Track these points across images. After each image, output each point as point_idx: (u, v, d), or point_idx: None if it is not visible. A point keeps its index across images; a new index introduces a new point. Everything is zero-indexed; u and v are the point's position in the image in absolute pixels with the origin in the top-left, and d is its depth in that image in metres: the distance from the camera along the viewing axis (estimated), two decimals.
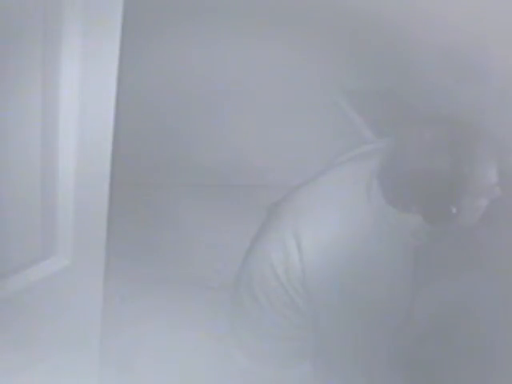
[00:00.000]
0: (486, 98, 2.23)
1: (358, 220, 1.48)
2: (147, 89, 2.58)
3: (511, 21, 2.30)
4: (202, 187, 2.85)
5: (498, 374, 1.72)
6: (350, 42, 2.67)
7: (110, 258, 1.43)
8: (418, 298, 1.59)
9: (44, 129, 1.14)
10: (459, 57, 2.50)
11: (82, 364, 1.48)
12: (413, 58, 2.63)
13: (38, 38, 1.04)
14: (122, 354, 2.16)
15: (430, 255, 1.62)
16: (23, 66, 1.04)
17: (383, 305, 1.45)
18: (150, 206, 2.74)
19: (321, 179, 1.63)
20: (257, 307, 1.61)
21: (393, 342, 1.55)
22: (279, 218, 1.63)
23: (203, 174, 2.86)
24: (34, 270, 1.27)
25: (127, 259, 2.35)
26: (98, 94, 1.17)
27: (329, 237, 1.49)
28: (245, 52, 2.61)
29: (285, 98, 2.79)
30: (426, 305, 1.68)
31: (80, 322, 1.40)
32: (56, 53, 1.09)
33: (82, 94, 1.13)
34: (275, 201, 1.73)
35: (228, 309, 1.77)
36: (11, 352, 1.28)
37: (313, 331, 1.58)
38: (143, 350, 2.22)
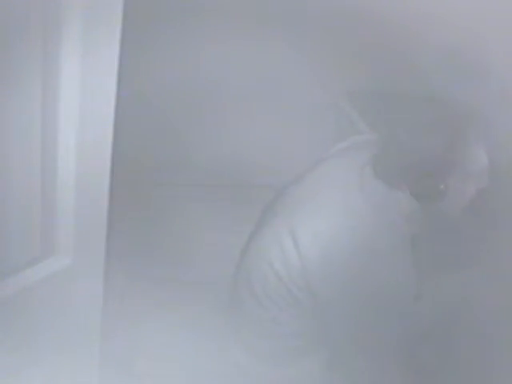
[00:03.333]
0: (486, 98, 2.23)
1: (352, 210, 1.48)
2: (147, 88, 2.58)
3: (511, 21, 2.30)
4: (202, 187, 2.85)
5: (500, 372, 1.72)
6: (350, 43, 2.67)
7: (109, 258, 1.43)
8: (422, 290, 1.60)
9: (44, 129, 1.14)
10: (459, 56, 2.50)
11: (82, 364, 1.48)
12: (413, 57, 2.63)
13: (38, 37, 1.04)
14: (121, 354, 2.16)
15: (428, 251, 1.62)
16: (23, 65, 1.04)
17: (387, 291, 1.46)
18: (150, 205, 2.74)
19: (311, 174, 1.64)
20: (257, 305, 1.61)
21: (399, 331, 1.54)
22: (273, 215, 1.64)
23: (203, 173, 2.86)
24: (33, 270, 1.27)
25: (127, 259, 2.35)
26: (98, 94, 1.17)
27: (325, 229, 1.50)
28: (245, 52, 2.61)
29: (285, 98, 2.79)
30: (429, 299, 1.68)
31: (80, 322, 1.40)
32: (56, 53, 1.09)
33: (82, 94, 1.14)
34: (268, 200, 1.73)
35: (227, 307, 1.77)
36: (11, 352, 1.28)
37: (315, 326, 1.58)
38: (143, 350, 2.22)
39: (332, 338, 1.58)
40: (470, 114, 1.46)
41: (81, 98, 1.13)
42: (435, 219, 1.54)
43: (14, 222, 1.19)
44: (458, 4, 2.43)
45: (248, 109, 2.77)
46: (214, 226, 2.69)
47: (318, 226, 1.51)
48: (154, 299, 2.31)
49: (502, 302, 1.72)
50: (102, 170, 1.27)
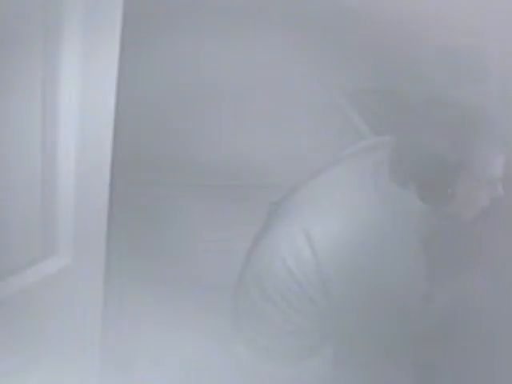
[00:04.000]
0: (486, 98, 2.23)
1: (366, 208, 1.49)
2: (147, 88, 2.58)
3: (511, 20, 2.30)
4: (202, 187, 2.85)
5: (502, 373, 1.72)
6: (350, 42, 2.67)
7: (109, 257, 1.43)
8: (433, 290, 1.60)
9: (44, 128, 1.14)
10: (459, 56, 2.50)
11: (82, 364, 1.48)
12: (413, 57, 2.63)
13: (39, 38, 1.04)
14: (121, 353, 2.16)
15: (439, 252, 1.63)
16: (23, 66, 1.04)
17: (398, 288, 1.46)
18: (150, 205, 2.74)
19: (324, 173, 1.65)
20: (266, 303, 1.60)
21: (408, 328, 1.55)
22: (284, 214, 1.64)
23: (203, 173, 2.86)
24: (33, 270, 1.27)
25: (127, 259, 2.35)
26: (98, 94, 1.17)
27: (339, 226, 1.50)
28: (245, 51, 2.61)
29: (285, 97, 2.79)
30: (439, 300, 1.69)
31: (80, 322, 1.40)
32: (56, 53, 1.09)
33: (82, 94, 1.14)
34: (275, 200, 1.73)
35: (229, 306, 1.77)
36: (11, 352, 1.28)
37: (324, 324, 1.58)
38: (143, 350, 2.22)
39: (342, 333, 1.58)
40: (482, 118, 1.45)
41: (81, 97, 1.13)
42: (445, 222, 1.54)
43: (14, 222, 1.19)
44: (458, 4, 2.43)
45: (248, 108, 2.77)
46: (214, 226, 2.69)
47: (332, 223, 1.51)
48: (154, 299, 2.31)
49: (504, 304, 1.73)
50: (102, 169, 1.27)
